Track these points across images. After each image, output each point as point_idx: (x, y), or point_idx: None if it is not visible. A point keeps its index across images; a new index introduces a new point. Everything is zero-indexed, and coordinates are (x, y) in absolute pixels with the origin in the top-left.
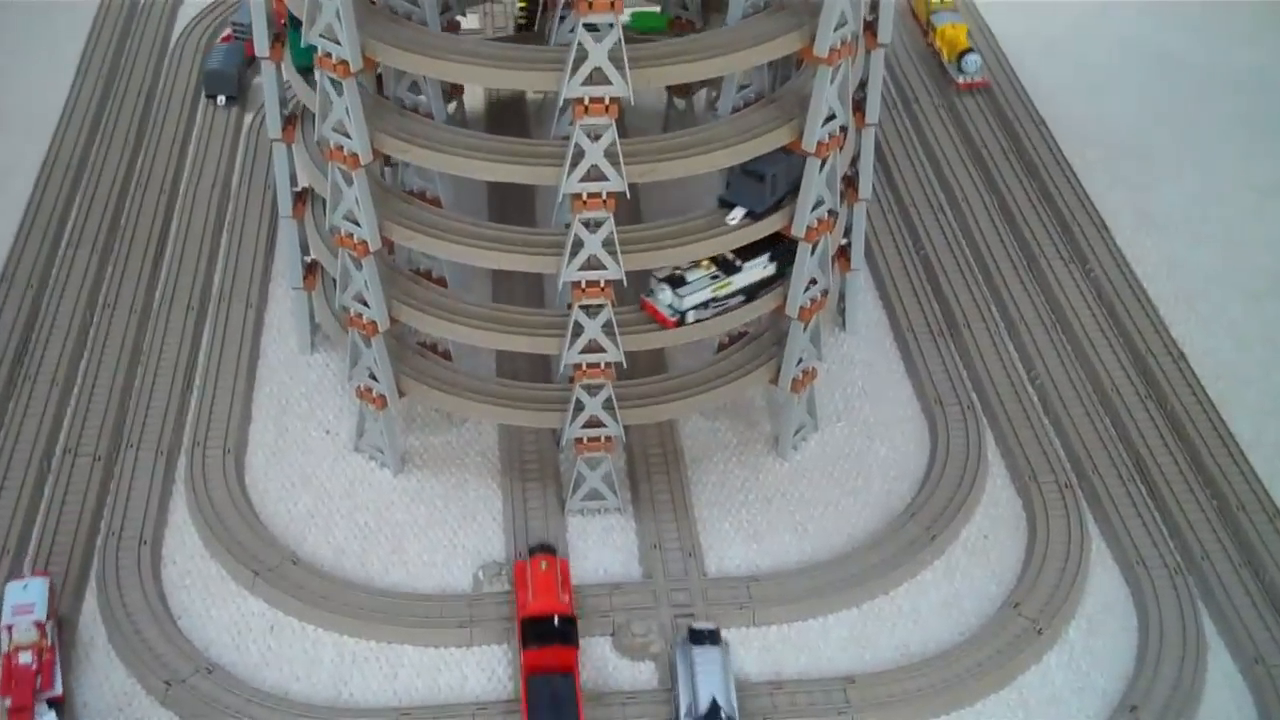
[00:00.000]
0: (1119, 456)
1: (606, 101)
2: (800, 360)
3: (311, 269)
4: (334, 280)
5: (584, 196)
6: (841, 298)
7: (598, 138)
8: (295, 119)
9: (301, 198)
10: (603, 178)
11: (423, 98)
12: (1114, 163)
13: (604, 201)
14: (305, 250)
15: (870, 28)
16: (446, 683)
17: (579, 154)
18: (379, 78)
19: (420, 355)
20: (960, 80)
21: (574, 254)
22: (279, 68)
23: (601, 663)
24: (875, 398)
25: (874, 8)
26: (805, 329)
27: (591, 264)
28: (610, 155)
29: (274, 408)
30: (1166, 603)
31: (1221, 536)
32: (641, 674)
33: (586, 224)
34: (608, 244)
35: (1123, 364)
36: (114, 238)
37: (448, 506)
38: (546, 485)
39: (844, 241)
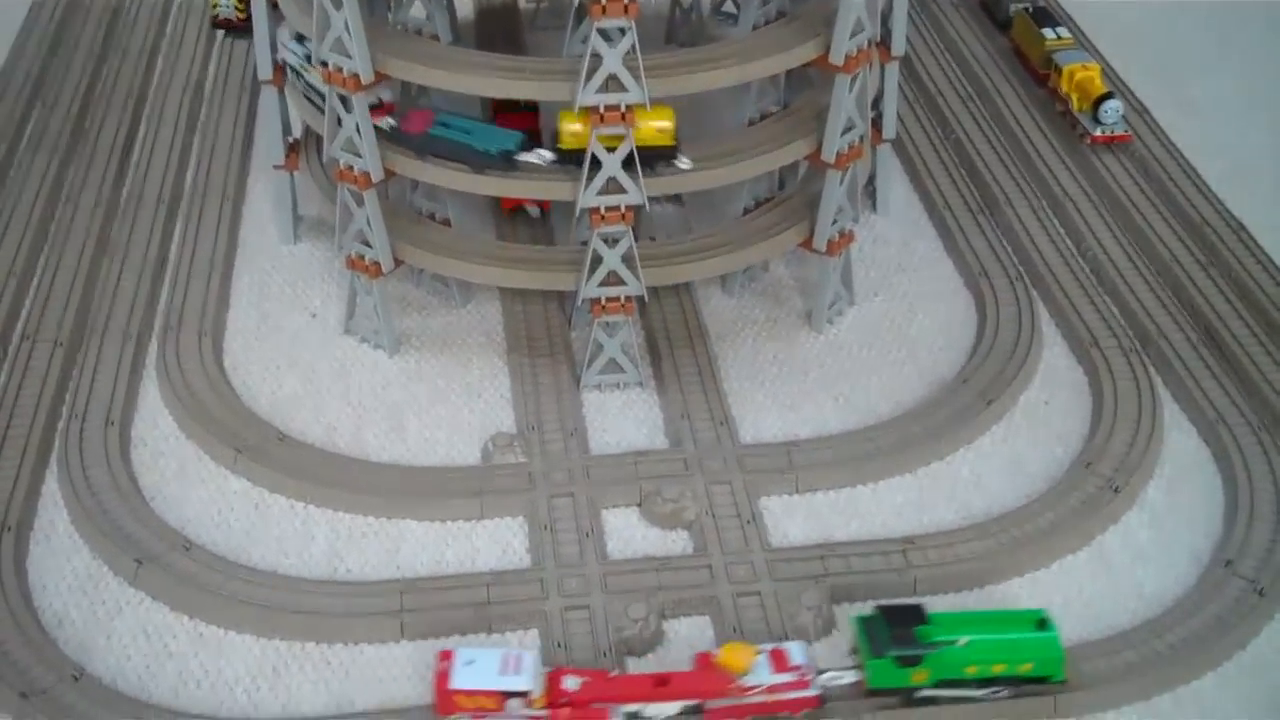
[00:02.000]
0: (1185, 322)
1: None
2: (836, 218)
3: (294, 148)
4: (317, 142)
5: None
6: (871, 179)
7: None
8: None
9: (281, 70)
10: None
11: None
12: (1148, 59)
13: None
14: (287, 128)
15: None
16: (455, 556)
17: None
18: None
19: (417, 222)
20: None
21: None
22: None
23: (629, 532)
24: (914, 274)
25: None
26: (842, 181)
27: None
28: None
29: (254, 294)
30: (1254, 458)
31: None
32: (676, 543)
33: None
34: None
35: (1179, 235)
36: (77, 140)
37: (450, 385)
38: (558, 362)
39: (873, 114)
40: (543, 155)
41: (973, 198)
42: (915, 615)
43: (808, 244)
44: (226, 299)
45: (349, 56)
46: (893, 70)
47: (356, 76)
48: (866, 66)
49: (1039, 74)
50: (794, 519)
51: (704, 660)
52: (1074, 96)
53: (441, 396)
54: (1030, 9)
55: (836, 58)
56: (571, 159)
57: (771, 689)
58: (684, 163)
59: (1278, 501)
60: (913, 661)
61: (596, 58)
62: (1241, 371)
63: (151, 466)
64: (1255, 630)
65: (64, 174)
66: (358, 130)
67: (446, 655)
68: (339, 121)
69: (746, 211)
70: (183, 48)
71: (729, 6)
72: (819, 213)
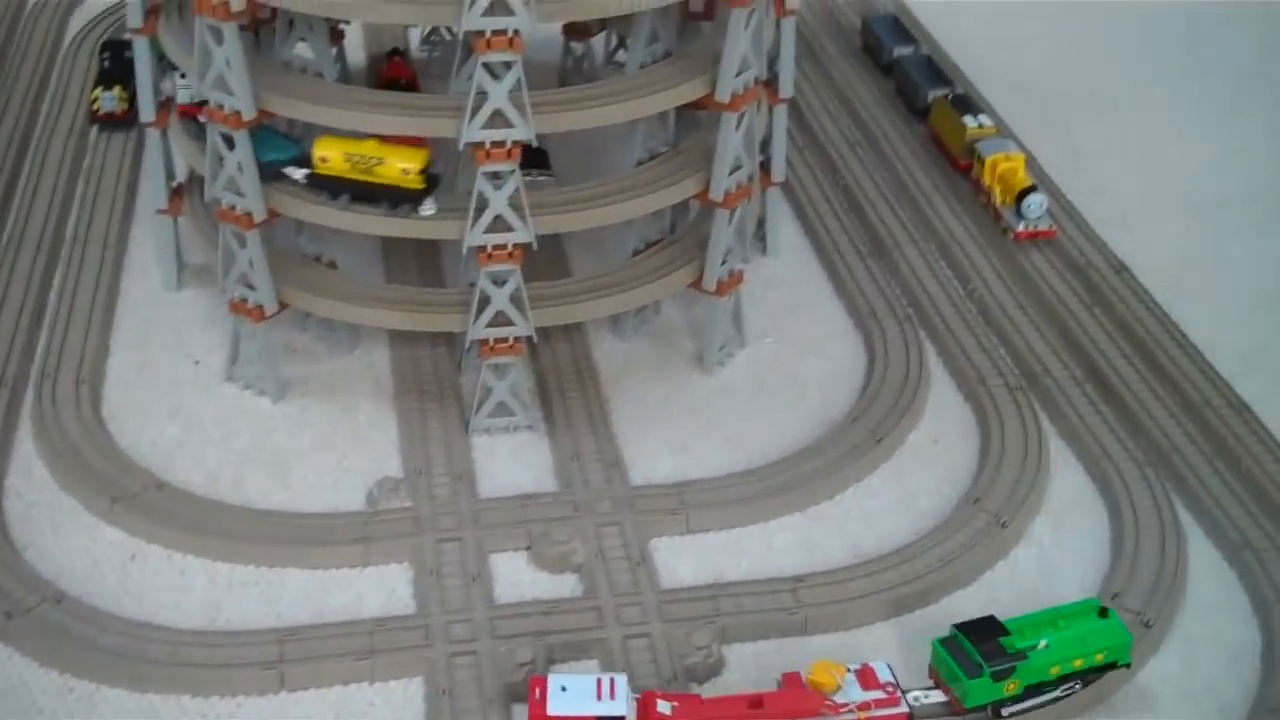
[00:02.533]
0: (1070, 361)
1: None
2: (725, 258)
3: (178, 192)
4: (201, 186)
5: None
6: (761, 223)
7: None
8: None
9: (165, 111)
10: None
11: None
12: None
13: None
14: (171, 173)
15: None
16: (338, 604)
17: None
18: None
19: (302, 264)
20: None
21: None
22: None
23: (517, 578)
24: (804, 315)
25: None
26: (730, 221)
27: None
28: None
29: (135, 341)
30: (1138, 494)
31: (1189, 431)
32: (565, 586)
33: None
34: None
35: (1063, 276)
36: None
37: (336, 430)
38: (447, 407)
39: (761, 158)
40: (295, 173)
41: (862, 241)
42: (996, 628)
43: (697, 284)
44: (106, 346)
45: (230, 93)
46: (780, 113)
47: (238, 113)
48: (753, 106)
49: (959, 164)
50: (684, 560)
51: (793, 680)
52: (996, 189)
53: (327, 442)
54: (950, 95)
55: (723, 95)
56: (324, 184)
57: (863, 706)
58: (428, 208)
59: (1162, 535)
60: (1007, 674)
61: (482, 94)
62: (1124, 409)
63: (24, 517)
64: (1141, 662)
65: None
66: (240, 169)
67: (539, 681)
68: (221, 160)
69: (636, 253)
70: (70, 87)
71: (620, 55)
72: (708, 253)
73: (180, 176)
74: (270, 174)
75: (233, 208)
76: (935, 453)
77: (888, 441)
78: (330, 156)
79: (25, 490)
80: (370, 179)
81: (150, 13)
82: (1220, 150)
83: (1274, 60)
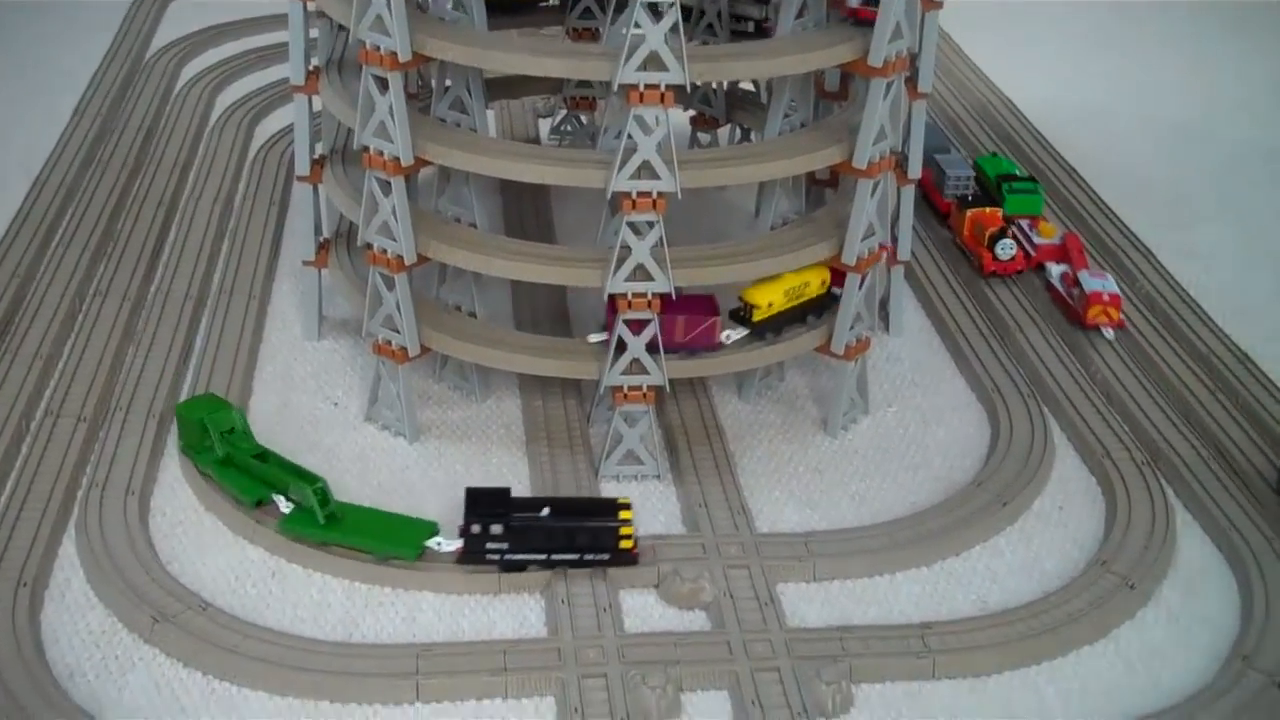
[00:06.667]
0: (1195, 440)
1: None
2: (854, 324)
3: (324, 246)
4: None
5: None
6: (884, 302)
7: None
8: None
9: (319, 166)
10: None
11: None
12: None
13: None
14: (319, 228)
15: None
16: (470, 625)
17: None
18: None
19: (444, 312)
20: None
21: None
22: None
23: (646, 612)
24: (927, 388)
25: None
26: (861, 285)
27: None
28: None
29: (277, 383)
30: (1268, 564)
31: None
32: (694, 622)
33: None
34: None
35: (1187, 364)
36: (108, 240)
37: (469, 470)
38: (576, 454)
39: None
40: (733, 334)
41: (984, 321)
42: None
43: (825, 348)
44: (249, 387)
45: (390, 140)
46: (908, 193)
47: (397, 160)
48: (888, 175)
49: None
50: (811, 604)
51: None
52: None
53: (460, 482)
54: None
55: (860, 162)
56: (764, 328)
57: None
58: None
59: None
60: None
61: (632, 146)
62: (1252, 487)
63: (169, 534)
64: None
65: (94, 268)
66: (394, 213)
67: None
68: (375, 206)
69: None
70: (215, 162)
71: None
72: (838, 316)
73: (327, 232)
74: None
75: (384, 251)
76: (1060, 517)
77: (1012, 506)
78: (774, 299)
79: (170, 510)
80: (801, 301)
81: (311, 73)
82: None
83: None
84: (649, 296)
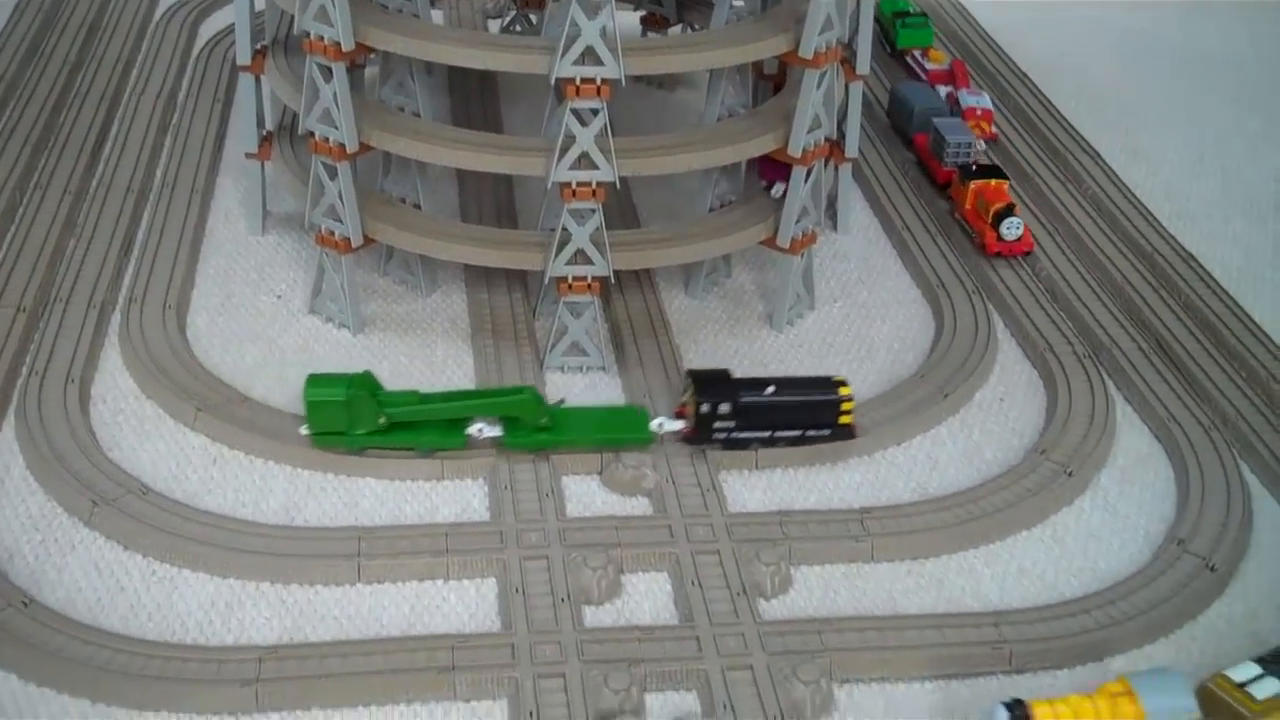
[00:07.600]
0: (1137, 335)
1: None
2: (800, 218)
3: (267, 139)
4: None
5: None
6: (832, 201)
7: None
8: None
9: (261, 56)
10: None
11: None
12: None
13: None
14: (262, 121)
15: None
16: (413, 510)
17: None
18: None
19: (388, 204)
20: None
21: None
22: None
23: (589, 499)
24: (873, 285)
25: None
26: (806, 178)
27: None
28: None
29: (219, 276)
30: (1204, 452)
31: (1256, 402)
32: (636, 508)
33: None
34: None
35: (1131, 261)
36: (49, 133)
37: (413, 362)
38: (521, 346)
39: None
40: None
41: (931, 221)
42: None
43: (771, 241)
44: (192, 279)
45: (330, 25)
46: (857, 89)
47: (338, 45)
48: (835, 66)
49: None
50: (752, 491)
51: None
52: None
53: (404, 373)
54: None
55: (806, 52)
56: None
57: None
58: None
59: (1228, 491)
60: None
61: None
62: (1191, 378)
63: (109, 422)
64: (1206, 604)
65: (35, 160)
66: (335, 101)
67: None
68: (316, 93)
69: (712, 210)
70: (158, 59)
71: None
72: (783, 211)
73: (270, 125)
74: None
75: (326, 140)
76: (1001, 408)
77: (954, 397)
78: None
79: (111, 398)
80: None
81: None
82: None
83: None
84: (593, 185)
